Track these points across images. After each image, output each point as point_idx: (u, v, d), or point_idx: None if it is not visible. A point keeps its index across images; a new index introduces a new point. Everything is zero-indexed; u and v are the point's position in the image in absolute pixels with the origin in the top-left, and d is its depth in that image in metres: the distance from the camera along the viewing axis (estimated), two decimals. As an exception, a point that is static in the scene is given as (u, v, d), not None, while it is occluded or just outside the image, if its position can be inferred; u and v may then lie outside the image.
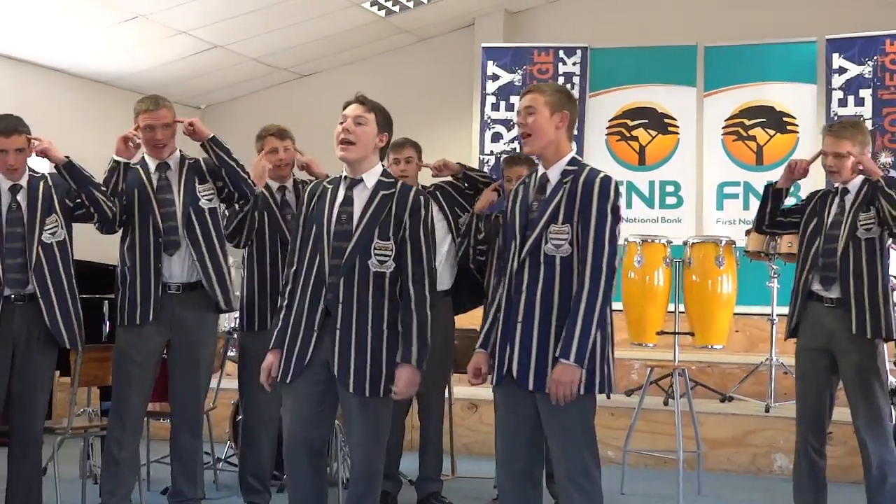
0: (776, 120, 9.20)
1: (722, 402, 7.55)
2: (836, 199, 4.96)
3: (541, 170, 3.94)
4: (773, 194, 5.15)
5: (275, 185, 5.61)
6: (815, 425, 4.96)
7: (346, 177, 4.11)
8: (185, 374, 5.14)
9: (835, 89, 8.87)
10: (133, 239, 5.06)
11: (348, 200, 4.05)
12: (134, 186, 5.07)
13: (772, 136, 9.19)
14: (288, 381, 3.99)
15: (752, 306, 8.27)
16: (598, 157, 9.54)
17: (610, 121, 9.62)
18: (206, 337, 5.21)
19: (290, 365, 3.99)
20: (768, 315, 7.61)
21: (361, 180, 4.07)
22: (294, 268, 4.11)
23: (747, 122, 9.25)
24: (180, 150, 5.23)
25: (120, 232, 5.10)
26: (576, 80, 9.65)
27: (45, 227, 4.88)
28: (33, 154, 4.89)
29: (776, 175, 8.97)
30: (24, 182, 4.91)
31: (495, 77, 9.83)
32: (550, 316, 3.76)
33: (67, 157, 4.88)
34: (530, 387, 3.75)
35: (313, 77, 11.73)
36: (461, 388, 7.76)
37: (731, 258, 6.97)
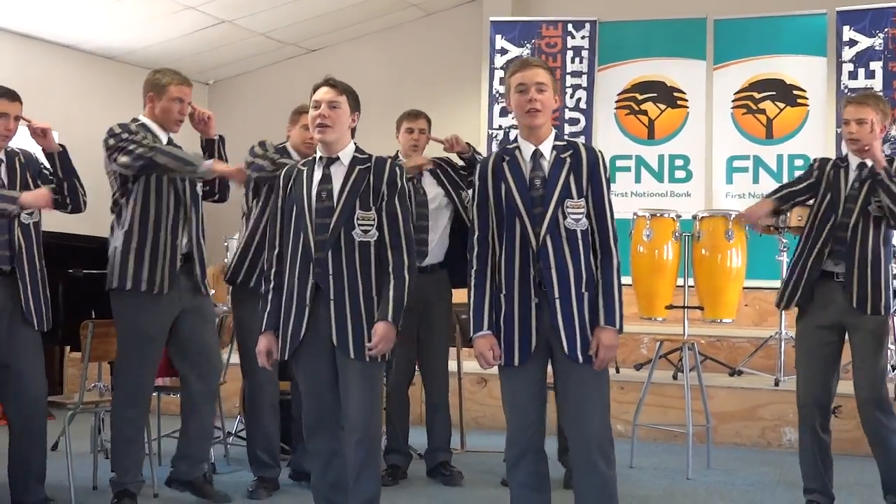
0: (786, 93, 9.17)
1: (731, 375, 7.56)
2: (854, 174, 4.89)
3: (528, 146, 4.00)
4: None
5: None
6: (822, 403, 4.96)
7: (321, 157, 4.26)
8: (202, 339, 5.18)
9: (845, 62, 8.84)
10: (158, 206, 4.99)
11: (326, 178, 4.22)
12: None
13: (781, 110, 9.16)
14: (286, 358, 4.20)
15: (761, 280, 8.26)
16: (607, 131, 9.54)
17: (619, 94, 9.60)
18: (208, 301, 5.27)
19: (287, 342, 4.18)
20: (778, 289, 7.59)
21: (338, 158, 4.24)
22: (277, 250, 4.28)
23: (757, 96, 9.22)
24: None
25: (129, 200, 5.00)
26: (584, 53, 9.62)
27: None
28: (18, 131, 4.88)
29: (785, 149, 9.06)
30: (3, 157, 4.89)
31: (503, 51, 9.79)
32: (581, 289, 3.87)
33: (63, 146, 4.92)
34: (580, 360, 3.84)
35: (321, 52, 11.70)
36: (470, 363, 7.77)
37: (741, 232, 6.95)
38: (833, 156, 8.62)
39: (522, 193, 3.92)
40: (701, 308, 6.79)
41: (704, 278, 6.83)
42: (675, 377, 7.31)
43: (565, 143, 4.02)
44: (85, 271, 5.73)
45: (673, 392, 7.12)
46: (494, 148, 9.69)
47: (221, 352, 5.60)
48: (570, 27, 9.70)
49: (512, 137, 9.71)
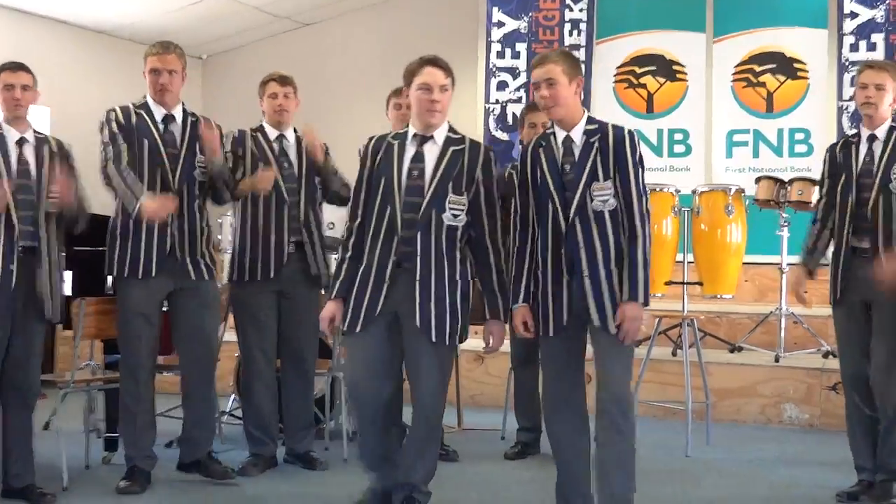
0: (786, 66, 9.14)
1: (731, 352, 7.54)
2: (865, 147, 4.85)
3: (561, 132, 4.19)
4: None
5: (273, 134, 5.55)
6: (860, 379, 4.91)
7: (415, 134, 4.36)
8: (194, 322, 5.16)
9: (846, 34, 8.81)
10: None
11: (419, 156, 4.33)
12: (143, 136, 5.03)
13: (782, 83, 9.13)
14: (357, 330, 4.29)
15: (761, 255, 8.24)
16: (606, 105, 9.48)
17: (617, 68, 9.57)
18: (206, 284, 5.21)
19: (360, 314, 4.28)
20: (778, 264, 7.58)
21: (432, 137, 4.35)
22: (359, 220, 4.38)
23: (757, 69, 9.20)
24: (184, 105, 5.19)
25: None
26: (582, 26, 9.57)
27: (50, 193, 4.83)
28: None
29: (786, 122, 9.03)
30: (30, 137, 4.86)
31: (500, 24, 9.76)
32: (611, 265, 4.10)
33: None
34: (612, 331, 4.07)
35: (315, 26, 11.60)
36: (469, 340, 7.77)
37: (741, 207, 6.93)
38: (834, 129, 8.65)
39: (554, 179, 4.15)
40: (700, 284, 6.77)
41: (704, 254, 6.81)
42: (674, 354, 7.29)
43: (596, 126, 4.18)
44: (76, 248, 5.68)
45: (672, 369, 7.10)
46: (491, 122, 9.65)
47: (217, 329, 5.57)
48: (568, 0, 9.65)
49: (510, 112, 9.69)
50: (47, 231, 4.83)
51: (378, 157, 4.36)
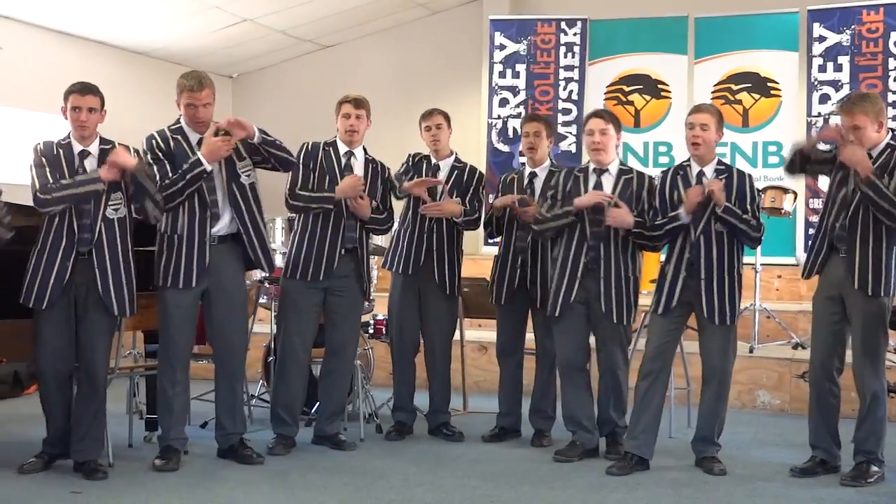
0: (761, 85, 9.14)
1: (710, 343, 7.55)
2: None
3: (696, 167, 5.10)
4: (800, 155, 5.07)
5: (343, 149, 5.59)
6: (826, 366, 4.97)
7: (595, 168, 5.30)
8: (227, 316, 5.18)
9: (815, 56, 8.81)
10: (182, 209, 5.01)
11: (598, 185, 5.26)
12: (180, 159, 5.01)
13: (756, 100, 9.14)
14: (556, 314, 5.29)
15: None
16: (597, 120, 9.48)
17: (608, 87, 9.57)
18: (239, 282, 5.23)
19: (558, 300, 5.27)
20: (752, 264, 7.60)
21: (607, 170, 5.29)
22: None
23: (734, 87, 9.20)
24: (215, 124, 5.14)
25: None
26: (576, 49, 9.59)
27: (110, 203, 4.83)
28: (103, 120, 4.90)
29: (760, 136, 9.06)
30: (93, 149, 4.87)
31: (502, 47, 9.77)
32: (724, 272, 4.98)
33: (138, 167, 4.82)
34: (716, 322, 5.01)
35: (334, 48, 11.67)
36: (472, 332, 7.82)
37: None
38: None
39: None
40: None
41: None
42: (658, 345, 7.30)
43: (724, 167, 5.12)
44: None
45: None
46: (494, 136, 9.66)
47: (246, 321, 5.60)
48: (563, 25, 9.66)
49: (511, 127, 9.70)
50: (107, 239, 4.82)
51: (569, 183, 5.29)
